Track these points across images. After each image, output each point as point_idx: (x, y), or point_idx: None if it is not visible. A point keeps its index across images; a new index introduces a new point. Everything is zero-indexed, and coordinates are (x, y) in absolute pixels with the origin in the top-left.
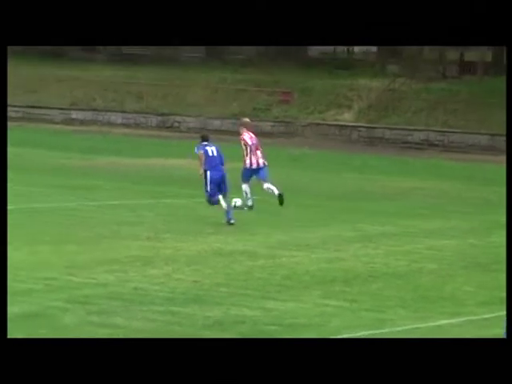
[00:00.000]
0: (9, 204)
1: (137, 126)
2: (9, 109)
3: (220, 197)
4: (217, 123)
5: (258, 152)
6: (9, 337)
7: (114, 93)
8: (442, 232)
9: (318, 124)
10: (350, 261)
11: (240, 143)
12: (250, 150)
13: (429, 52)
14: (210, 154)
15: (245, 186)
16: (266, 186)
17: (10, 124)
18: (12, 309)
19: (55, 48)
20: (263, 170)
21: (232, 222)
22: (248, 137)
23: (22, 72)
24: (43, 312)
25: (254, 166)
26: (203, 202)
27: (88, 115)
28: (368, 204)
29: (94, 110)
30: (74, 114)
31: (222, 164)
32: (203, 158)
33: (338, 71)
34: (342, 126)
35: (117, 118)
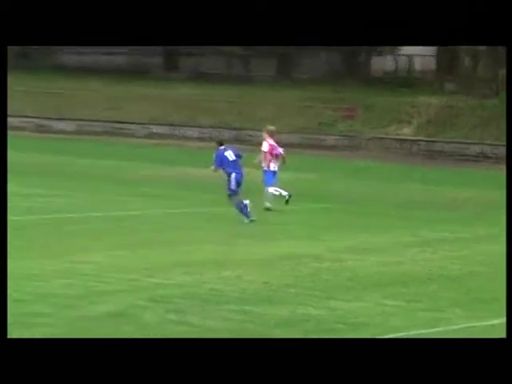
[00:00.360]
0: (95, 211)
1: (211, 139)
2: (95, 124)
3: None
4: (286, 137)
5: (277, 156)
6: (96, 333)
7: (190, 109)
8: (494, 238)
9: (381, 138)
10: (408, 264)
11: (263, 147)
12: (272, 155)
13: (483, 70)
14: (230, 158)
15: (272, 189)
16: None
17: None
18: (99, 308)
19: (138, 67)
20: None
21: (253, 218)
22: (271, 143)
23: (107, 90)
24: (126, 311)
25: (275, 169)
26: (275, 209)
27: (166, 130)
28: (427, 213)
29: (171, 125)
30: (154, 129)
31: (240, 164)
32: (215, 166)
33: (399, 89)
34: (402, 140)
35: (193, 132)
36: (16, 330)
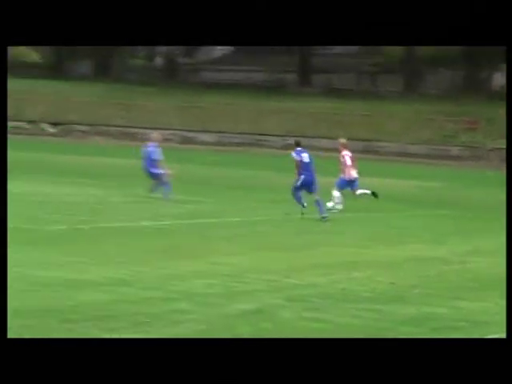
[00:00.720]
0: (234, 217)
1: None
2: (235, 136)
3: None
4: (412, 148)
5: (353, 166)
6: (237, 329)
7: (323, 122)
8: None
9: (502, 149)
10: None
11: (339, 159)
12: (348, 165)
13: None
14: (305, 160)
15: (337, 193)
16: (359, 191)
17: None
18: (239, 306)
19: (275, 83)
20: (356, 181)
21: (325, 216)
22: (345, 153)
23: (247, 104)
24: (265, 308)
25: (352, 178)
26: (401, 215)
27: (302, 141)
28: None
29: (306, 136)
30: (290, 140)
31: (313, 168)
32: (299, 164)
33: None
34: None
35: (326, 143)
36: (164, 328)
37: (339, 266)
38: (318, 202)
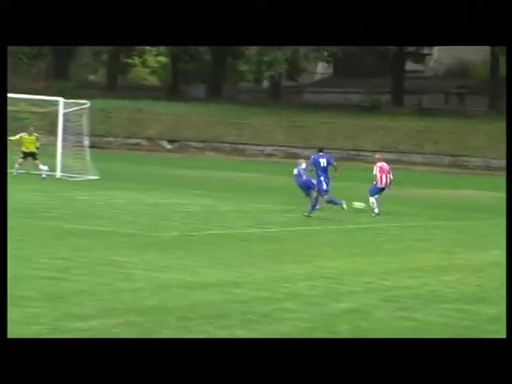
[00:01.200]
0: (333, 225)
1: (433, 164)
2: (334, 151)
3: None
4: (498, 162)
5: (386, 176)
6: (337, 327)
7: (414, 138)
8: None
9: None
10: None
11: (374, 169)
12: (382, 175)
13: None
14: (322, 164)
15: (372, 199)
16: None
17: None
18: (338, 305)
19: (370, 103)
20: (385, 190)
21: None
22: (380, 165)
23: (345, 122)
24: (362, 308)
25: (383, 186)
26: (484, 223)
27: (395, 156)
28: None
29: (400, 152)
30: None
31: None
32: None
33: None
34: None
35: (418, 158)
36: (271, 326)
37: (429, 269)
38: (317, 200)
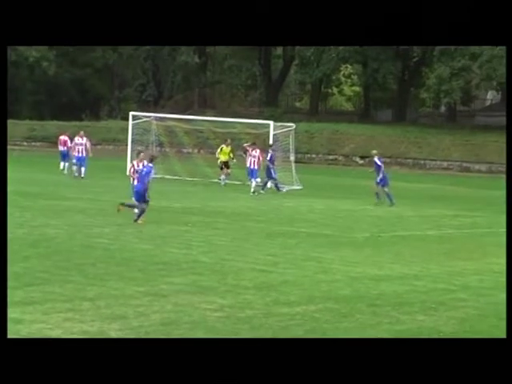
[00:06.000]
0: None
1: None
2: (502, 165)
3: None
4: None
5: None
6: (503, 315)
7: None
8: None
9: None
10: None
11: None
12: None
13: None
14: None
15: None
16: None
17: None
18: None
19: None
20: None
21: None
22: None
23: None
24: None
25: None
26: None
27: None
28: None
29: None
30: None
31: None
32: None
33: None
34: None
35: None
36: (447, 312)
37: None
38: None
